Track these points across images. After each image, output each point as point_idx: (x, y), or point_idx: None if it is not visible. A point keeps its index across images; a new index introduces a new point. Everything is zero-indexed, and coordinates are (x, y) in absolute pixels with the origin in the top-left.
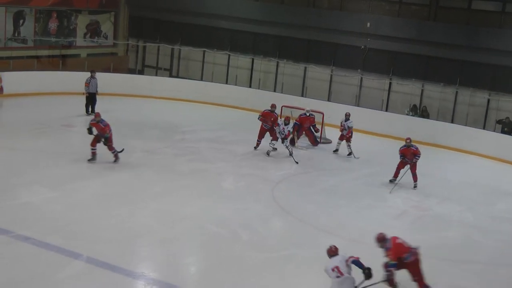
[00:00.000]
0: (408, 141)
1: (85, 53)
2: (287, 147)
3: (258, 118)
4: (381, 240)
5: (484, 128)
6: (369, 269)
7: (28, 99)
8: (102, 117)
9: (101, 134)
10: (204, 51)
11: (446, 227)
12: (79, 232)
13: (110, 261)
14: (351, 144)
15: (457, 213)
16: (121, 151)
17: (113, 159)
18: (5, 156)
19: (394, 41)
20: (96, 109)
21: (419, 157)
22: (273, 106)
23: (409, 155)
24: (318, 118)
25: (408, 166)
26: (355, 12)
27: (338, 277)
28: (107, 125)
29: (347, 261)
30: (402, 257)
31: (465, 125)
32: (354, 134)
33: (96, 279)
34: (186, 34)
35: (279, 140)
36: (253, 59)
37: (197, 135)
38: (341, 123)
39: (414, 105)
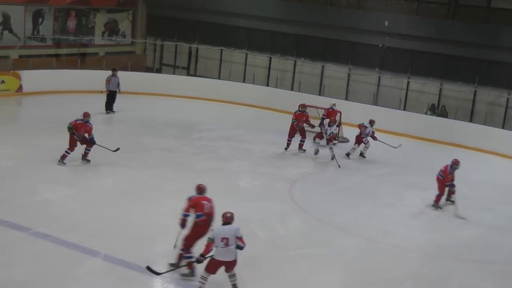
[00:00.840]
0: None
1: (103, 51)
2: (331, 149)
3: (293, 123)
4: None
5: (503, 127)
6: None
7: (47, 97)
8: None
9: (86, 134)
10: (221, 50)
11: (463, 226)
12: (97, 229)
13: (127, 259)
14: (358, 147)
15: (475, 213)
16: (115, 150)
17: (83, 156)
18: (24, 154)
19: (412, 39)
20: (114, 108)
21: (451, 184)
22: (303, 106)
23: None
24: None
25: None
26: (373, 11)
27: (222, 247)
28: (91, 127)
29: (237, 238)
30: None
31: (484, 125)
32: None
33: (113, 276)
34: (203, 33)
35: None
36: (270, 58)
37: (214, 134)
38: (363, 124)
39: (433, 104)
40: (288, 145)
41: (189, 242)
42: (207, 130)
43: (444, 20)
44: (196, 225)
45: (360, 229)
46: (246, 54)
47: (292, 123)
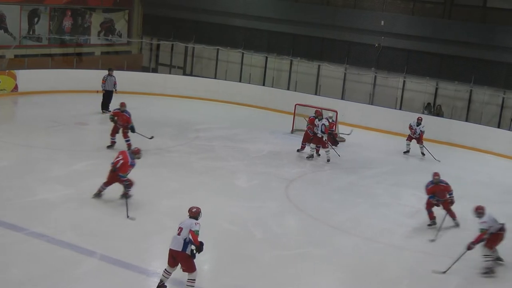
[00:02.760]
0: (437, 177)
1: (99, 51)
2: (327, 152)
3: (306, 127)
4: None
5: (498, 126)
6: (200, 244)
7: (43, 97)
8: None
9: (125, 124)
10: (217, 49)
11: (461, 226)
12: (94, 229)
13: (124, 259)
14: (424, 145)
15: (472, 212)
16: (150, 138)
17: (127, 147)
18: (21, 154)
19: (408, 39)
20: (111, 107)
21: (451, 194)
22: (319, 113)
23: (439, 193)
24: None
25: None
26: (369, 10)
27: (176, 235)
28: (130, 116)
29: (190, 231)
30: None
31: (480, 124)
32: (370, 132)
33: (109, 276)
34: (200, 32)
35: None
36: (266, 57)
37: (211, 133)
38: (410, 125)
39: (429, 103)
40: (302, 148)
41: None
42: (203, 130)
43: (440, 19)
44: None
45: (356, 228)
46: (242, 53)
47: (307, 128)
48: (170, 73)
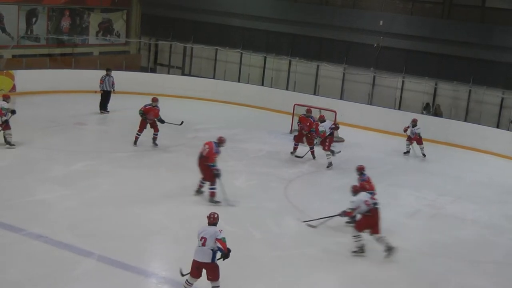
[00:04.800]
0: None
1: (97, 51)
2: (329, 156)
3: (297, 123)
4: None
5: (497, 127)
6: (228, 251)
7: (41, 97)
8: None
9: (155, 118)
10: (216, 49)
11: (459, 226)
12: (92, 230)
13: (122, 259)
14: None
15: (471, 212)
16: (181, 124)
17: (152, 140)
18: (19, 154)
19: (407, 39)
20: (109, 108)
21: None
22: (309, 111)
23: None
24: (330, 116)
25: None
26: (368, 10)
27: (200, 246)
28: (159, 110)
29: (216, 239)
30: None
31: (479, 124)
32: (369, 133)
33: (107, 277)
34: (198, 32)
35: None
36: (265, 57)
37: (210, 133)
38: (405, 128)
39: (427, 104)
40: (295, 149)
41: None
42: (202, 130)
43: (439, 19)
44: None
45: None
46: (241, 53)
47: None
48: (168, 73)
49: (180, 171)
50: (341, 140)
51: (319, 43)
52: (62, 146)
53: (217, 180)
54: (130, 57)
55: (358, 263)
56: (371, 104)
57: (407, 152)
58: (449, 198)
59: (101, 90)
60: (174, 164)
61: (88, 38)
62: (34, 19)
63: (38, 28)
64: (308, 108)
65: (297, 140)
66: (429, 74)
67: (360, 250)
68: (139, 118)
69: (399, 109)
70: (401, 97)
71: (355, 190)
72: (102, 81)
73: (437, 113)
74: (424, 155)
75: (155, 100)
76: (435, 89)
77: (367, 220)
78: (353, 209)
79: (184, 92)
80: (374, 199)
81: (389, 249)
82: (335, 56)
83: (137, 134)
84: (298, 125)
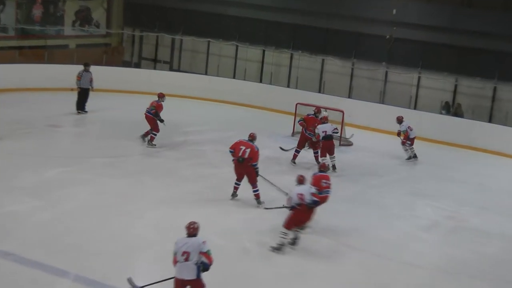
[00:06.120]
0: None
1: (74, 43)
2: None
3: (298, 122)
4: None
5: None
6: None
7: (9, 95)
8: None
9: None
10: (208, 42)
11: (484, 241)
12: (67, 246)
13: (101, 279)
14: (409, 148)
15: (497, 225)
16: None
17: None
18: None
19: (424, 30)
20: (87, 107)
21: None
22: (318, 111)
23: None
24: (337, 117)
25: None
26: None
27: (182, 262)
28: (162, 106)
29: (201, 253)
30: None
31: (505, 125)
32: (381, 135)
33: None
34: (188, 23)
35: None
36: (264, 51)
37: (202, 136)
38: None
39: (447, 102)
40: (295, 156)
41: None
42: (193, 133)
43: (458, 7)
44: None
45: (364, 243)
46: (237, 46)
47: (302, 129)
48: (155, 69)
49: (167, 178)
50: (349, 144)
51: (325, 35)
52: (34, 151)
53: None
54: (111, 51)
55: (367, 282)
56: (383, 103)
57: (411, 158)
58: (472, 209)
59: (78, 87)
60: (161, 171)
61: (63, 28)
62: (1, 7)
63: (6, 18)
64: (317, 107)
65: (300, 145)
66: (448, 69)
67: (278, 248)
68: (121, 120)
69: (414, 108)
70: (416, 95)
71: (299, 181)
72: (79, 77)
73: (457, 113)
74: (413, 157)
75: (161, 95)
76: (456, 86)
77: (296, 215)
78: (289, 198)
79: (173, 90)
80: (315, 196)
81: (294, 242)
82: (343, 49)
83: (153, 134)
84: (300, 123)
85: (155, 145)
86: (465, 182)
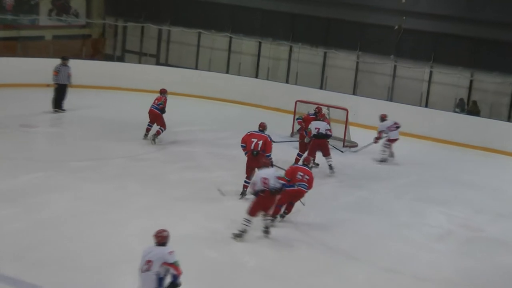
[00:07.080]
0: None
1: (50, 34)
2: (331, 169)
3: (297, 120)
4: None
5: None
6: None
7: None
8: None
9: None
10: (199, 33)
11: (502, 251)
12: (43, 258)
13: None
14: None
15: None
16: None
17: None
18: None
19: (436, 19)
20: (65, 105)
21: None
22: (319, 110)
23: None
24: (341, 116)
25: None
26: None
27: (144, 271)
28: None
29: (166, 264)
30: None
31: None
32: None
33: None
34: (177, 12)
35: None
36: (260, 43)
37: (192, 137)
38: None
39: (461, 99)
40: (296, 160)
41: None
42: (182, 133)
43: None
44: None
45: (371, 254)
46: (230, 38)
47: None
48: (140, 63)
49: (153, 183)
50: (354, 145)
51: (327, 25)
52: (6, 153)
53: None
54: (92, 43)
55: None
56: (391, 101)
57: (383, 161)
58: (489, 217)
59: (55, 83)
60: (147, 176)
61: (38, 18)
62: None
63: None
64: (319, 106)
65: (302, 149)
66: (463, 63)
67: (239, 235)
68: (103, 119)
69: (425, 106)
70: (428, 91)
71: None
72: (57, 72)
73: (473, 111)
74: (384, 161)
75: (164, 91)
76: (471, 82)
77: (259, 201)
78: (252, 184)
79: (159, 85)
80: (281, 179)
81: (267, 231)
82: (347, 41)
83: (160, 129)
84: (298, 122)
85: (155, 142)
86: (480, 187)
